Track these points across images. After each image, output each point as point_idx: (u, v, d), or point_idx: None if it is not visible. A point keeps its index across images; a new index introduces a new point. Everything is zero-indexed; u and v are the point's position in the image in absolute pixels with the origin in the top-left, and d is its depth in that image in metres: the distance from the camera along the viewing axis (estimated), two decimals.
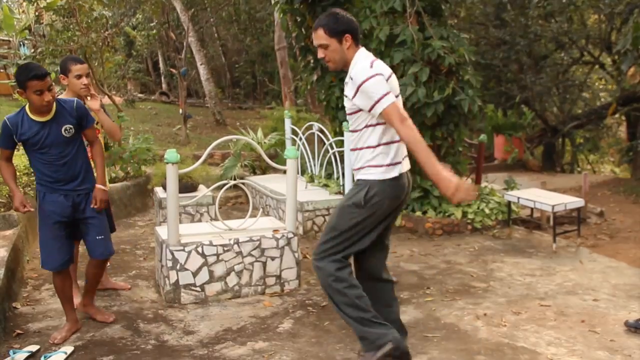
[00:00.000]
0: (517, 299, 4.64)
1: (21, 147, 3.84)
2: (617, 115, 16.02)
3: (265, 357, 3.64)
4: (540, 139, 15.41)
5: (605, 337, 3.90)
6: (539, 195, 6.39)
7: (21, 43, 11.37)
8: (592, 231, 7.41)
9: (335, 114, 7.60)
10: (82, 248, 4.46)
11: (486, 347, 3.75)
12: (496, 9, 14.56)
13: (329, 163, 7.22)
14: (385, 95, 3.11)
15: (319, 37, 3.28)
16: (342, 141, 6.69)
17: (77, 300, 4.43)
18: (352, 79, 3.21)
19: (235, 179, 6.58)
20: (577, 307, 4.44)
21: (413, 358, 3.59)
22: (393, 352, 3.19)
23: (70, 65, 4.27)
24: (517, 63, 14.62)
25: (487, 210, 6.72)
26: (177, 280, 4.48)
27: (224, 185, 4.83)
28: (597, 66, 15.85)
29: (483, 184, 7.76)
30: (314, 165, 7.66)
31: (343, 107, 7.42)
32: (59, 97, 3.86)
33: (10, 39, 10.86)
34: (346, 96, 3.32)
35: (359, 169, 3.37)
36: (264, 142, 9.14)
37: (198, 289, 4.53)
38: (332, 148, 7.01)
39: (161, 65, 21.50)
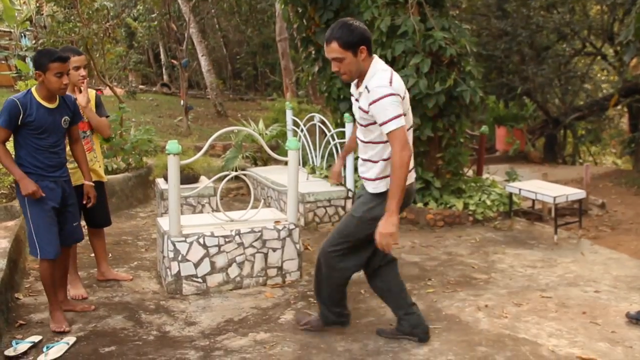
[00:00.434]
0: (519, 290, 4.64)
1: None
2: (619, 107, 15.98)
3: (266, 348, 3.65)
4: (541, 131, 15.38)
5: (606, 329, 3.91)
6: (540, 187, 6.38)
7: (22, 34, 11.35)
8: (593, 223, 7.41)
9: (336, 105, 7.58)
10: (84, 240, 4.47)
11: (487, 339, 3.75)
12: (498, 0, 14.50)
13: (330, 154, 7.21)
14: (398, 117, 3.13)
15: (333, 50, 3.20)
16: (344, 132, 6.68)
17: (79, 291, 4.45)
18: (368, 91, 3.18)
19: (236, 170, 6.58)
20: (578, 299, 4.44)
21: (414, 349, 3.60)
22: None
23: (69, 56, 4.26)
24: (518, 54, 14.57)
25: (488, 202, 6.71)
26: (179, 271, 4.49)
27: (226, 176, 4.83)
28: (599, 57, 15.80)
29: (484, 176, 7.76)
30: (316, 156, 7.65)
31: (344, 99, 7.45)
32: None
33: (12, 31, 10.84)
34: (360, 108, 3.29)
35: (373, 179, 3.40)
36: (266, 134, 9.14)
37: (200, 280, 4.54)
38: (333, 139, 7.00)
39: (162, 56, 21.47)
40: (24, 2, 10.77)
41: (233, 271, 4.64)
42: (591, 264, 5.32)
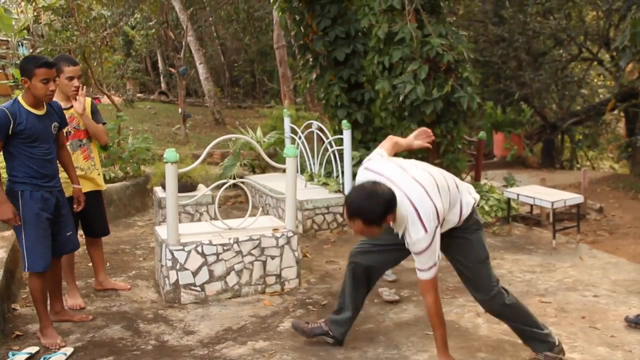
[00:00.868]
0: (518, 295, 4.60)
1: None
2: (615, 112, 16.02)
3: (265, 356, 3.64)
4: (539, 136, 15.39)
5: (605, 333, 3.90)
6: (538, 192, 6.38)
7: (20, 43, 11.35)
8: (591, 227, 7.41)
9: (334, 112, 7.59)
10: (80, 248, 4.47)
11: (487, 344, 3.75)
12: (495, 6, 14.55)
13: (328, 162, 7.21)
14: (433, 267, 3.12)
15: (357, 226, 3.02)
16: (342, 139, 6.68)
17: (77, 301, 4.43)
18: (410, 238, 3.08)
19: (234, 178, 6.58)
20: (577, 303, 4.43)
21: (413, 356, 3.59)
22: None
23: (62, 66, 4.20)
24: (515, 60, 14.60)
25: (486, 207, 6.71)
26: (177, 280, 4.48)
27: (224, 184, 4.83)
28: (595, 63, 15.84)
29: (483, 181, 7.76)
30: (314, 163, 7.65)
31: (342, 106, 7.47)
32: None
33: (9, 39, 10.84)
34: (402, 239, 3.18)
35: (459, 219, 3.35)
36: (263, 141, 9.13)
37: (198, 288, 4.53)
38: (331, 146, 7.00)
39: (160, 64, 21.49)
40: (22, 11, 10.78)
41: (231, 279, 4.63)
42: (590, 268, 5.32)
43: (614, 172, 15.16)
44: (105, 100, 12.00)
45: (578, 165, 17.08)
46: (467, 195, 3.35)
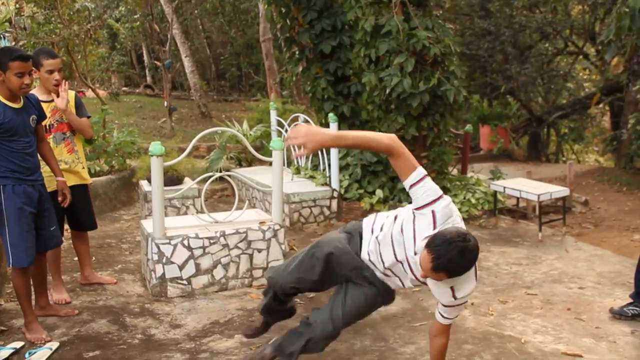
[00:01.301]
0: (504, 288, 4.66)
1: None
2: (601, 105, 16.14)
3: (252, 349, 3.63)
4: (525, 129, 15.48)
5: (590, 324, 3.93)
6: (524, 185, 6.41)
7: (2, 36, 11.21)
8: (577, 220, 7.47)
9: (320, 105, 7.57)
10: (66, 242, 4.43)
11: (474, 336, 3.76)
12: (481, 0, 14.58)
13: (315, 155, 7.20)
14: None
15: (439, 276, 2.59)
16: None
17: (63, 296, 4.39)
18: (459, 293, 2.76)
19: (221, 172, 6.54)
20: (563, 295, 4.46)
21: (400, 348, 3.60)
22: None
23: (42, 59, 4.12)
24: (502, 53, 14.66)
25: (473, 200, 6.73)
26: (164, 274, 4.45)
27: (210, 177, 4.80)
28: (581, 56, 15.95)
29: (469, 174, 7.79)
30: (300, 157, 7.64)
31: (328, 99, 7.45)
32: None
33: None
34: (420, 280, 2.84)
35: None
36: (250, 134, 9.11)
37: (184, 282, 4.51)
38: None
39: (145, 58, 21.33)
40: (3, 3, 10.64)
41: (218, 273, 4.61)
42: (575, 260, 5.35)
43: (599, 165, 15.28)
44: (90, 93, 11.89)
45: (564, 159, 17.21)
46: None
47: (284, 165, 5.62)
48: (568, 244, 5.94)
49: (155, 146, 4.32)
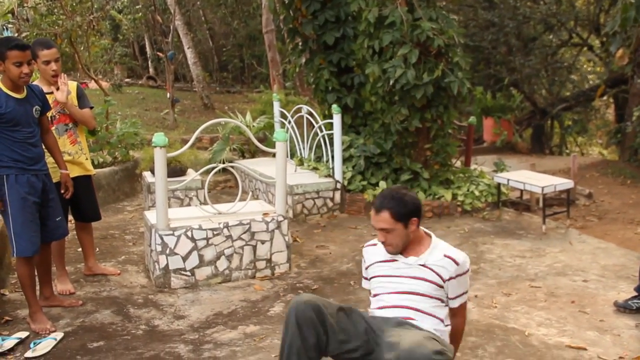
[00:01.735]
0: (508, 280, 4.65)
1: None
2: (605, 98, 16.08)
3: (256, 340, 3.63)
4: (529, 121, 15.44)
5: (594, 318, 3.92)
6: (528, 177, 6.39)
7: (4, 27, 11.18)
8: (581, 213, 7.45)
9: (324, 96, 7.55)
10: (70, 233, 4.42)
11: (477, 329, 3.76)
12: None
13: (318, 146, 7.18)
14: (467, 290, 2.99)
15: (383, 220, 2.87)
16: (331, 124, 6.66)
17: (67, 286, 4.40)
18: (457, 264, 2.86)
19: (224, 163, 6.54)
20: (567, 288, 4.46)
21: None
22: None
23: (37, 50, 4.07)
24: (506, 45, 14.59)
25: (476, 193, 6.72)
26: (167, 265, 4.45)
27: (213, 168, 4.80)
28: (585, 48, 15.87)
29: (472, 166, 7.77)
30: (303, 148, 7.62)
31: (332, 90, 7.43)
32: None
33: None
34: (434, 277, 2.90)
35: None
36: (253, 126, 9.08)
37: (188, 273, 4.51)
38: (321, 131, 6.98)
39: (148, 49, 21.28)
40: None
41: (222, 264, 4.61)
42: (579, 253, 5.34)
43: (602, 158, 15.25)
44: (92, 85, 11.87)
45: (567, 151, 17.16)
46: None
47: (287, 156, 5.60)
48: (572, 236, 5.92)
49: (159, 137, 4.31)
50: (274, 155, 4.85)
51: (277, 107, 8.24)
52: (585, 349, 3.48)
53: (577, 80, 16.93)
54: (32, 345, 3.51)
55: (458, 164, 7.78)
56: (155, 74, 20.62)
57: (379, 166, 6.85)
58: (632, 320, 3.87)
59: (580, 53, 16.63)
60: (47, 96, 4.09)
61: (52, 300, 4.12)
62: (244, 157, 8.87)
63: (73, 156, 4.38)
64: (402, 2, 6.40)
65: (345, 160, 6.83)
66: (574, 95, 15.77)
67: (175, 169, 6.46)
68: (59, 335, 3.66)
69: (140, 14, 16.19)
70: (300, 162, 7.51)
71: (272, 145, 4.86)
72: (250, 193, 6.19)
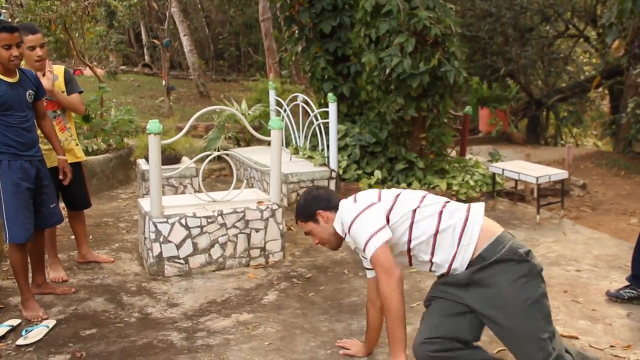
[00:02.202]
0: None
1: None
2: (600, 89, 16.10)
3: (249, 328, 3.63)
4: (524, 112, 15.45)
5: (587, 307, 3.94)
6: (523, 167, 6.40)
7: None
8: (575, 203, 7.48)
9: (320, 85, 7.52)
10: (64, 222, 4.40)
11: None
12: None
13: (314, 135, 7.17)
14: (374, 236, 2.69)
15: (301, 227, 3.12)
16: (327, 112, 6.64)
17: (59, 274, 4.39)
18: (348, 231, 2.84)
19: (219, 151, 6.52)
20: (560, 278, 4.47)
21: None
22: None
23: (22, 35, 3.95)
24: (502, 35, 14.57)
25: (471, 182, 6.72)
26: (161, 253, 4.44)
27: (208, 156, 4.78)
28: (581, 39, 15.86)
29: (468, 156, 7.77)
30: (299, 137, 7.61)
31: (328, 79, 7.40)
32: None
33: None
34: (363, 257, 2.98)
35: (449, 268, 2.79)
36: (248, 114, 9.06)
37: (182, 261, 4.50)
38: (316, 119, 6.96)
39: (143, 36, 21.17)
40: None
41: (215, 252, 4.60)
42: (573, 243, 5.36)
43: (597, 149, 15.29)
44: (87, 72, 11.82)
45: (562, 142, 17.20)
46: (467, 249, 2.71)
47: (282, 145, 5.58)
48: (566, 226, 5.94)
49: (153, 124, 4.29)
50: (269, 143, 4.83)
51: (272, 96, 8.21)
52: (577, 338, 3.49)
53: (573, 71, 16.94)
54: (24, 332, 3.50)
55: (453, 153, 7.78)
56: (150, 61, 20.53)
57: (374, 155, 6.84)
58: (623, 309, 3.89)
59: (577, 44, 16.63)
60: None
61: (44, 287, 4.11)
62: (239, 145, 8.84)
63: (63, 143, 4.33)
64: None
65: (340, 149, 6.82)
66: (569, 87, 15.79)
67: (170, 157, 6.44)
68: (51, 322, 3.66)
69: (136, 0, 16.09)
70: (296, 151, 7.50)
71: (268, 133, 4.84)
72: (245, 181, 6.18)
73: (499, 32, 14.26)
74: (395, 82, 6.35)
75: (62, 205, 4.52)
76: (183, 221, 4.47)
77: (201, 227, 4.53)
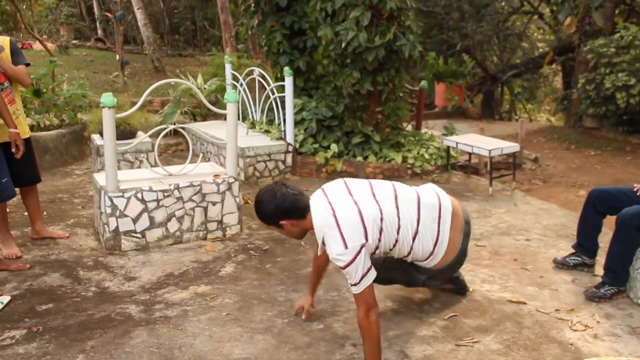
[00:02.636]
0: None
1: None
2: (553, 65, 16.42)
3: (207, 300, 3.66)
4: (479, 87, 15.68)
5: (535, 274, 4.08)
6: (476, 141, 6.53)
7: None
8: (527, 176, 7.67)
9: (276, 59, 7.49)
10: (16, 199, 4.33)
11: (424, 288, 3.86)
12: None
13: (270, 109, 7.16)
14: (362, 279, 2.82)
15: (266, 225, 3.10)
16: (283, 86, 6.63)
17: (12, 250, 4.32)
18: (330, 251, 2.87)
19: (175, 125, 6.46)
20: (510, 247, 4.62)
21: (352, 297, 3.67)
22: None
23: None
24: (458, 11, 14.71)
25: (426, 156, 6.83)
26: (117, 227, 4.42)
27: (163, 130, 4.74)
28: (536, 16, 16.12)
29: (423, 130, 7.88)
30: (255, 111, 7.59)
31: (284, 52, 7.37)
32: None
33: None
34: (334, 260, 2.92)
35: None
36: (204, 88, 8.97)
37: (139, 235, 4.49)
38: (273, 93, 6.95)
39: (96, 10, 20.60)
40: None
41: (172, 226, 4.60)
42: (523, 214, 5.52)
43: (550, 124, 15.64)
44: (37, 46, 11.49)
45: (516, 117, 17.53)
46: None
47: (238, 119, 5.56)
48: (517, 198, 6.10)
49: (107, 97, 4.23)
50: (225, 118, 4.82)
51: (229, 70, 8.15)
52: (525, 303, 3.63)
53: (527, 47, 17.23)
54: None
55: (409, 127, 7.88)
56: (103, 35, 20.02)
57: (330, 129, 6.88)
58: (569, 275, 4.05)
59: (531, 21, 16.90)
60: None
61: None
62: (195, 120, 8.78)
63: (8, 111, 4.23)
64: None
65: (297, 123, 6.84)
66: (523, 62, 16.06)
67: (125, 132, 6.37)
68: (5, 298, 3.62)
69: None
70: (252, 125, 7.48)
71: (224, 107, 4.82)
72: (201, 155, 6.15)
73: (455, 7, 14.39)
74: (351, 55, 6.38)
75: None
76: (139, 195, 4.45)
77: (157, 200, 4.51)
